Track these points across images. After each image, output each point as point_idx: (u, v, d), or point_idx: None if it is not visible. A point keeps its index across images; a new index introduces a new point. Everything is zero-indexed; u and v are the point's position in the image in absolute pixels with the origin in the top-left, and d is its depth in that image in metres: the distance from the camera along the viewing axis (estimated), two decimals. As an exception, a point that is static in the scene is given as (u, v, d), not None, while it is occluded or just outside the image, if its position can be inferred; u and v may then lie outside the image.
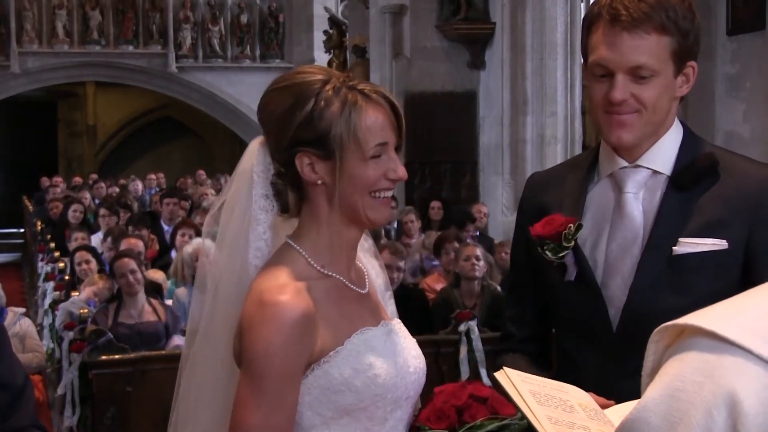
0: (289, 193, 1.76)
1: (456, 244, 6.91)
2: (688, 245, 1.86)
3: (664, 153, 1.94)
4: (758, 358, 0.91)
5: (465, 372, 5.52)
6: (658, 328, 1.01)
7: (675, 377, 0.95)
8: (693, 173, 1.90)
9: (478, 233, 9.06)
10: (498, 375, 1.69)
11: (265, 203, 1.76)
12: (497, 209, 10.19)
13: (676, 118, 1.98)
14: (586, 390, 1.87)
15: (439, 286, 6.75)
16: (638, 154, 1.94)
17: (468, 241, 7.46)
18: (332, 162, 1.70)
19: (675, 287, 1.87)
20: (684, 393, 0.93)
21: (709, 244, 1.86)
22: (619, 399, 1.79)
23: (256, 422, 1.63)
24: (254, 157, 1.77)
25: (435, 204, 9.87)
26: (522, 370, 2.06)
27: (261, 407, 1.63)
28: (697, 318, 0.97)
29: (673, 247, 1.87)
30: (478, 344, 5.60)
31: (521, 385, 1.65)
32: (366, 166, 1.70)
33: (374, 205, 1.74)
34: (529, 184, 2.17)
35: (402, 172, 1.74)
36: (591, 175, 2.03)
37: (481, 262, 6.24)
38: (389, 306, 1.92)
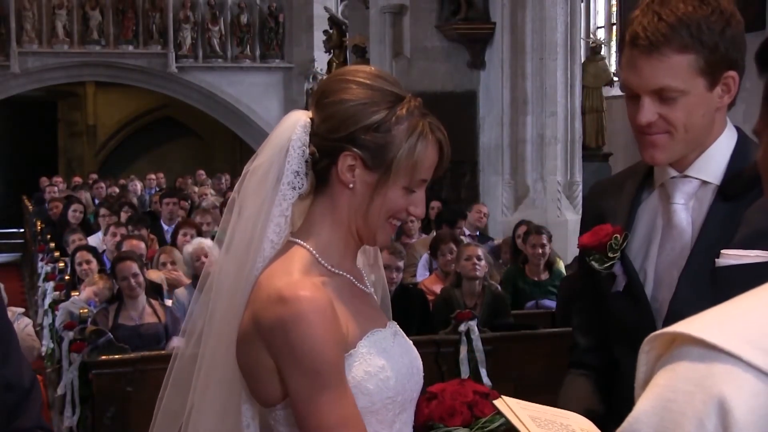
0: (309, 178, 1.73)
1: (452, 245, 6.91)
2: (732, 257, 1.78)
3: (713, 162, 1.87)
4: (748, 365, 0.90)
5: (465, 372, 5.52)
6: (648, 337, 1.00)
7: (666, 388, 0.94)
8: (741, 183, 1.82)
9: (478, 233, 9.05)
10: (497, 403, 1.68)
11: (294, 180, 1.71)
12: (497, 209, 10.18)
13: (729, 125, 1.91)
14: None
15: (436, 287, 6.75)
16: (687, 164, 1.87)
17: (468, 241, 7.45)
18: (374, 174, 1.69)
19: (718, 300, 1.76)
20: (675, 404, 0.92)
21: (754, 255, 1.76)
22: None
23: (333, 419, 1.58)
24: (295, 130, 1.71)
25: (435, 204, 9.85)
26: (579, 398, 1.98)
27: (330, 402, 1.59)
28: (687, 326, 0.96)
29: (716, 259, 1.79)
30: (478, 344, 5.60)
31: (520, 412, 1.64)
32: (402, 194, 1.72)
33: (386, 228, 1.75)
34: (590, 191, 2.15)
35: (422, 211, 1.77)
36: (646, 185, 1.97)
37: (482, 262, 6.24)
38: None
